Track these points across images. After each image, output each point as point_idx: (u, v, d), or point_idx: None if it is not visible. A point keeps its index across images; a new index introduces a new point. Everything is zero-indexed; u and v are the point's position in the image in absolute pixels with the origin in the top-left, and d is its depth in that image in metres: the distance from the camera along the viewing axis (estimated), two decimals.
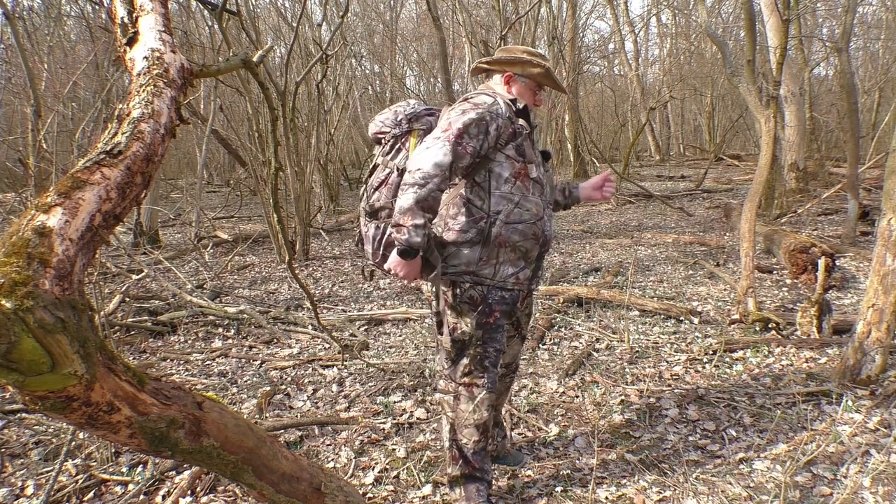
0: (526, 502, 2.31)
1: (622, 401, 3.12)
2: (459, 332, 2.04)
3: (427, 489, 2.42)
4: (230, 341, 4.39)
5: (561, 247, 7.46)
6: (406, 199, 1.81)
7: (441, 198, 1.89)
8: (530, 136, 2.06)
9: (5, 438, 2.89)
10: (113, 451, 2.69)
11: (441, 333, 2.11)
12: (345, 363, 3.82)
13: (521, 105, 2.03)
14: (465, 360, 2.06)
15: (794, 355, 3.59)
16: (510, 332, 2.31)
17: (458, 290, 2.02)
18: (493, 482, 2.37)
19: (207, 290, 5.59)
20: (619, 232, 8.25)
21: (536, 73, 2.08)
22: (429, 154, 1.84)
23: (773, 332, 3.98)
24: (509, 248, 1.99)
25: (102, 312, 4.09)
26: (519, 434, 2.84)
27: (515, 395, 3.23)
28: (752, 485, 2.33)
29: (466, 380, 2.08)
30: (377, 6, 20.82)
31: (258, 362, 3.96)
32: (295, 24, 7.43)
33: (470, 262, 1.98)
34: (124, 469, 2.61)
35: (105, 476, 2.55)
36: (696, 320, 4.33)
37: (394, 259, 1.92)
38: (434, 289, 2.16)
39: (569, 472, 2.47)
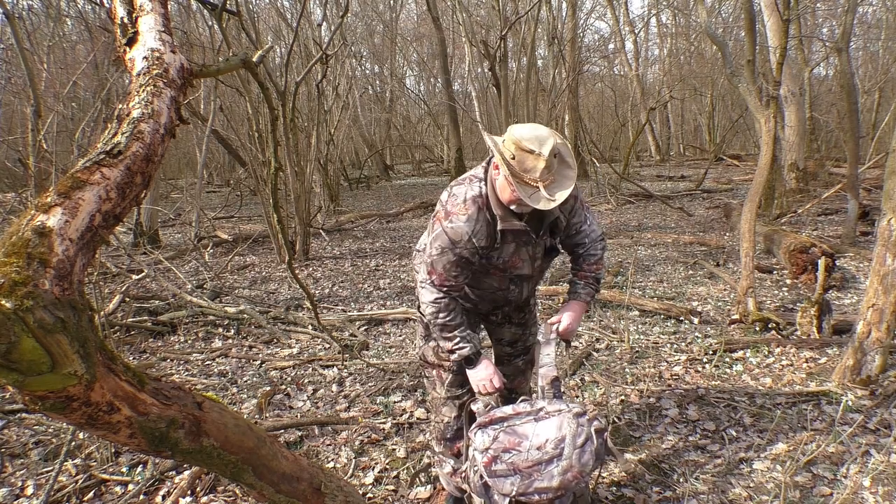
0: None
1: (622, 401, 3.12)
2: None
3: (427, 489, 2.42)
4: (230, 341, 4.39)
5: None
6: (434, 333, 2.05)
7: (457, 299, 2.03)
8: (514, 232, 1.96)
9: (5, 438, 2.89)
10: (113, 451, 2.69)
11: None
12: (345, 363, 3.82)
13: (498, 212, 1.90)
14: (433, 343, 2.19)
15: (794, 355, 3.59)
16: (498, 321, 2.36)
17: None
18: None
19: (207, 290, 5.59)
20: (619, 232, 8.25)
21: (519, 178, 1.78)
22: (424, 295, 2.01)
23: (773, 332, 3.98)
24: (463, 300, 2.13)
25: (102, 312, 4.10)
26: None
27: None
28: (752, 485, 2.33)
29: (436, 362, 2.21)
30: (377, 6, 20.82)
31: (258, 362, 3.96)
32: (295, 24, 7.44)
33: None
34: (124, 469, 2.61)
35: (105, 476, 2.55)
36: (696, 320, 4.33)
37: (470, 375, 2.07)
38: None
39: None
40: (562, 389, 2.03)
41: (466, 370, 2.05)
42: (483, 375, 2.01)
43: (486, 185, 1.92)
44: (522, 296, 2.19)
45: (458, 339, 1.99)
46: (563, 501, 1.83)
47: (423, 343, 2.27)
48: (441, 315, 1.98)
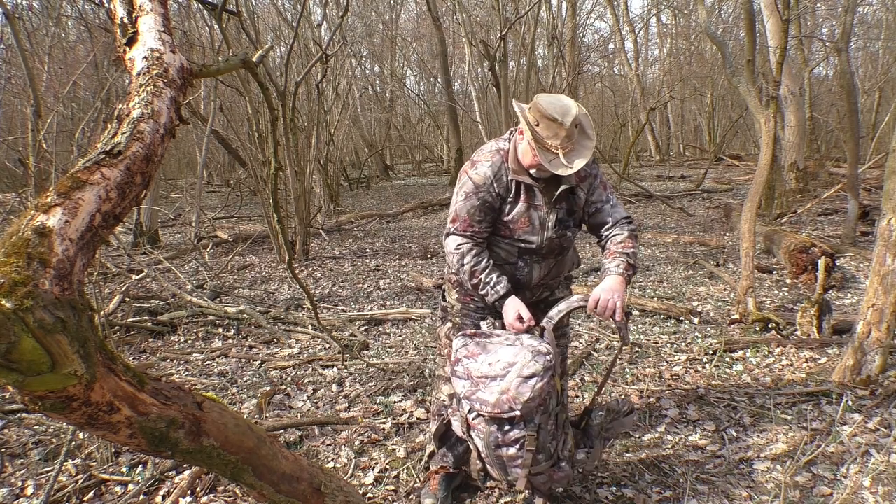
0: (526, 502, 2.31)
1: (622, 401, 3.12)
2: (445, 300, 2.32)
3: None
4: (230, 341, 4.39)
5: None
6: (465, 282, 2.16)
7: (481, 245, 2.12)
8: (530, 190, 2.07)
9: (5, 438, 2.89)
10: (113, 451, 2.69)
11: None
12: (345, 363, 3.82)
13: (513, 166, 2.06)
14: (447, 325, 2.31)
15: (794, 355, 3.59)
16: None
17: (448, 269, 2.29)
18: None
19: (207, 290, 5.59)
20: None
21: (541, 144, 1.93)
22: (448, 245, 2.13)
23: (773, 332, 3.98)
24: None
25: (102, 312, 4.10)
26: None
27: None
28: (752, 485, 2.33)
29: (447, 341, 2.29)
30: (377, 6, 20.81)
31: (258, 362, 3.96)
32: (295, 24, 7.44)
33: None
34: (124, 469, 2.61)
35: (105, 476, 2.55)
36: (696, 320, 4.33)
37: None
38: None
39: None
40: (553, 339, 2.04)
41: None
42: (510, 315, 2.07)
43: (509, 144, 2.10)
44: (531, 278, 2.16)
45: (485, 281, 2.08)
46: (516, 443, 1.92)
47: (440, 324, 2.36)
48: (466, 260, 2.07)
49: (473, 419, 1.99)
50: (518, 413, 1.88)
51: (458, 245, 2.08)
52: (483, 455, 2.03)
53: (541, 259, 2.15)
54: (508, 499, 2.34)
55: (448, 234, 2.13)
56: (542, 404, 1.91)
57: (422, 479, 2.49)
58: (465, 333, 2.07)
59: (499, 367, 1.91)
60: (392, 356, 4.00)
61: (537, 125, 1.91)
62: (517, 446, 1.93)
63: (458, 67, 20.84)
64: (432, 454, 2.41)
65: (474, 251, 2.07)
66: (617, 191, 11.11)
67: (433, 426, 2.39)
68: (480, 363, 1.94)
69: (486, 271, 2.08)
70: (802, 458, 2.39)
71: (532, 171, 2.03)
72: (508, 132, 2.16)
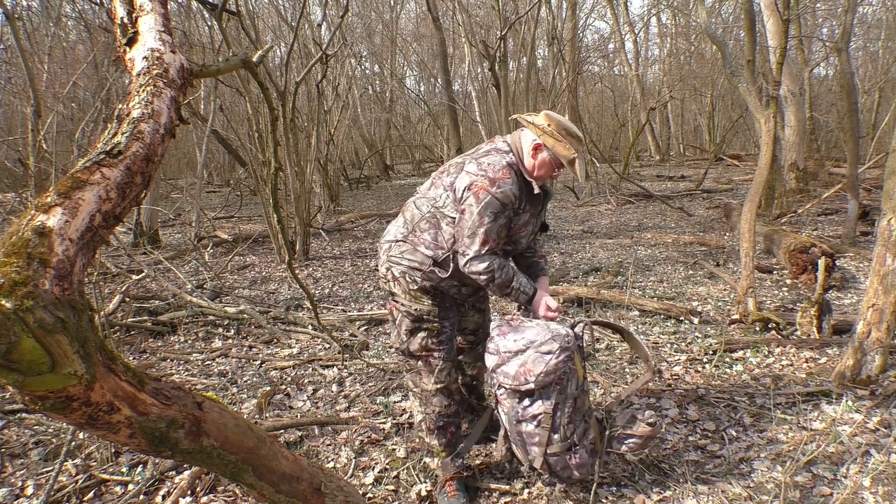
0: (527, 503, 2.31)
1: (622, 401, 3.11)
2: (415, 309, 2.26)
3: (427, 485, 2.42)
4: (230, 341, 4.39)
5: (561, 247, 7.46)
6: (496, 294, 2.25)
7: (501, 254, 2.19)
8: (534, 200, 2.23)
9: (5, 438, 2.89)
10: (113, 451, 2.69)
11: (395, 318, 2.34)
12: (345, 363, 3.82)
13: (533, 181, 2.18)
14: (421, 334, 2.28)
15: (794, 355, 3.59)
16: (467, 308, 2.52)
17: (407, 280, 2.23)
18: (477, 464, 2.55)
19: (207, 290, 5.59)
20: (619, 232, 8.25)
21: (564, 156, 2.12)
22: (473, 267, 2.12)
23: (773, 332, 3.98)
24: (456, 280, 2.24)
25: (102, 312, 4.10)
26: None
27: None
28: (752, 485, 2.34)
29: (424, 353, 2.29)
30: (377, 6, 20.81)
31: (258, 362, 3.96)
32: (295, 24, 7.44)
33: (423, 262, 2.21)
34: (124, 469, 2.62)
35: (105, 476, 2.55)
36: (696, 320, 4.33)
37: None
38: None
39: None
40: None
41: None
42: (541, 310, 2.24)
43: (514, 156, 2.18)
44: None
45: (515, 289, 2.20)
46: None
47: (407, 337, 2.29)
48: (497, 275, 2.13)
49: (499, 393, 2.20)
50: (532, 386, 2.05)
51: (488, 266, 2.10)
52: (507, 432, 2.20)
53: (512, 258, 2.35)
54: (508, 499, 2.34)
55: (475, 258, 2.10)
56: (557, 382, 2.07)
57: (421, 479, 2.50)
58: (505, 319, 2.24)
59: (522, 343, 2.10)
60: (392, 356, 4.00)
61: (561, 140, 2.11)
62: (535, 423, 2.10)
63: (458, 67, 20.84)
64: (441, 455, 2.41)
65: (500, 264, 2.14)
66: (617, 191, 11.11)
67: (434, 440, 2.38)
68: (508, 340, 2.14)
69: (514, 279, 2.19)
70: (802, 458, 2.39)
71: (537, 183, 2.19)
72: (500, 142, 2.24)
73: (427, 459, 2.62)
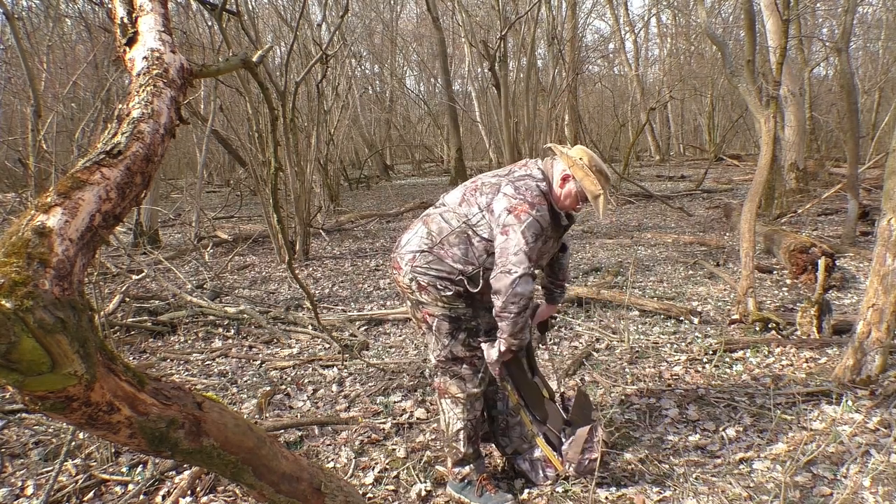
0: (526, 503, 2.31)
1: (622, 401, 3.12)
2: (452, 311, 2.26)
3: (427, 485, 2.42)
4: (230, 341, 4.39)
5: None
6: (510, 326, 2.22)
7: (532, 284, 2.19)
8: (559, 226, 2.30)
9: (5, 438, 2.89)
10: (113, 451, 2.69)
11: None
12: (345, 363, 3.82)
13: (560, 210, 2.27)
14: (462, 335, 2.27)
15: (794, 355, 3.59)
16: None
17: (438, 288, 2.22)
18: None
19: (207, 290, 5.59)
20: (619, 232, 8.25)
21: (590, 190, 2.20)
22: (522, 286, 2.12)
23: (773, 332, 3.98)
24: (482, 292, 2.26)
25: (102, 312, 4.10)
26: None
27: None
28: (752, 485, 2.33)
29: (469, 353, 2.28)
30: (377, 6, 20.81)
31: (258, 362, 3.96)
32: (295, 25, 7.44)
33: (452, 272, 2.21)
34: (124, 469, 2.61)
35: (105, 476, 2.55)
36: (696, 320, 4.33)
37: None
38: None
39: None
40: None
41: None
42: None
43: (546, 184, 2.25)
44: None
45: (527, 328, 2.25)
46: None
47: (449, 340, 2.26)
48: (532, 305, 2.22)
49: None
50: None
51: (532, 290, 2.14)
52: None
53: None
54: (509, 497, 2.34)
55: (525, 275, 2.10)
56: None
57: (421, 479, 2.49)
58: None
59: None
60: (392, 356, 4.00)
61: (589, 175, 2.21)
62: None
63: (458, 67, 20.86)
64: (467, 457, 2.38)
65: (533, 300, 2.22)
66: (617, 191, 11.11)
67: (471, 448, 2.35)
68: None
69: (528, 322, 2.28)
70: (802, 458, 2.39)
71: (563, 212, 2.29)
72: (534, 169, 2.29)
73: (440, 468, 2.55)
